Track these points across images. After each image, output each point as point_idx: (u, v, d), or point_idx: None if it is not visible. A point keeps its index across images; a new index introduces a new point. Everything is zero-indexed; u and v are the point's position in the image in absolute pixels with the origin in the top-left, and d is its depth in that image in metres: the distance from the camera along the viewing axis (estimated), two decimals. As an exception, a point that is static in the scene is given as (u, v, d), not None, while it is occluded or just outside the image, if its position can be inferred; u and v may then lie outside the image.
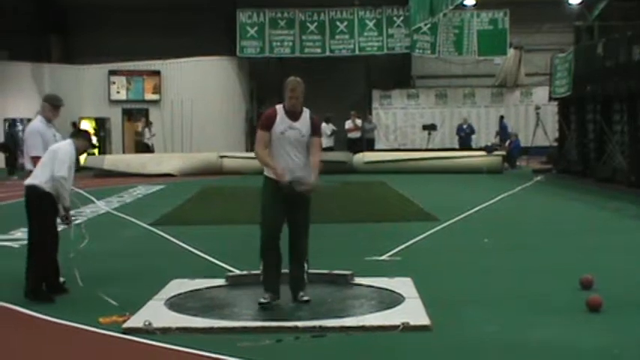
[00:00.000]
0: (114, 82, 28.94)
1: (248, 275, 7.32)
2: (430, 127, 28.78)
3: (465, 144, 27.51)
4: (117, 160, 24.93)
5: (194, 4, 29.89)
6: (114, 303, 6.48)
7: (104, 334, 5.78)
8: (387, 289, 6.94)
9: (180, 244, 10.00)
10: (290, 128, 6.46)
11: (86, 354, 5.48)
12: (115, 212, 13.84)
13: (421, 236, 10.34)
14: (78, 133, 7.55)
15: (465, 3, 27.39)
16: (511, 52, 29.94)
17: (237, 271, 7.84)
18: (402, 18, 28.85)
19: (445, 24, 28.74)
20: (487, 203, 14.14)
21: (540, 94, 28.63)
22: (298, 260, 6.60)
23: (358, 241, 10.33)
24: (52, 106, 7.63)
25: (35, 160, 7.29)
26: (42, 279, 6.94)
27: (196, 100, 28.33)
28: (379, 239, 10.25)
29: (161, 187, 19.60)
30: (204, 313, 6.28)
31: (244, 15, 29.16)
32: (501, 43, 29.24)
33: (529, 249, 9.56)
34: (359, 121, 26.65)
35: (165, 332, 5.70)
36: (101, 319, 6.07)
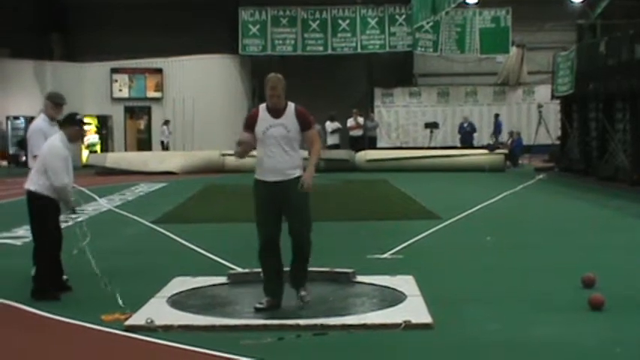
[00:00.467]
0: (116, 80, 28.94)
1: (250, 273, 7.33)
2: (432, 126, 28.77)
3: (466, 142, 27.50)
4: (119, 157, 24.94)
5: (196, 2, 29.88)
6: (120, 303, 6.40)
7: (106, 332, 5.79)
8: (388, 287, 6.93)
9: (182, 241, 10.00)
10: (271, 126, 6.30)
11: (88, 351, 5.49)
12: (117, 210, 13.84)
13: (423, 234, 10.33)
14: (65, 121, 7.22)
15: (467, 1, 27.40)
16: (513, 50, 29.90)
17: (239, 269, 7.84)
18: (404, 16, 28.84)
19: (447, 22, 28.71)
20: (489, 201, 14.12)
21: (543, 92, 28.61)
22: (299, 258, 6.43)
23: (360, 239, 10.34)
24: (54, 104, 7.60)
25: (39, 159, 7.29)
26: (47, 278, 6.93)
27: (198, 98, 28.33)
28: (381, 237, 10.25)
29: (163, 185, 19.61)
30: (206, 310, 6.29)
31: (246, 13, 29.16)
32: (504, 41, 29.20)
33: (531, 247, 9.56)
34: (361, 119, 26.64)
35: (167, 330, 5.70)
36: (103, 317, 6.08)
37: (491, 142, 26.67)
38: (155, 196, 17.17)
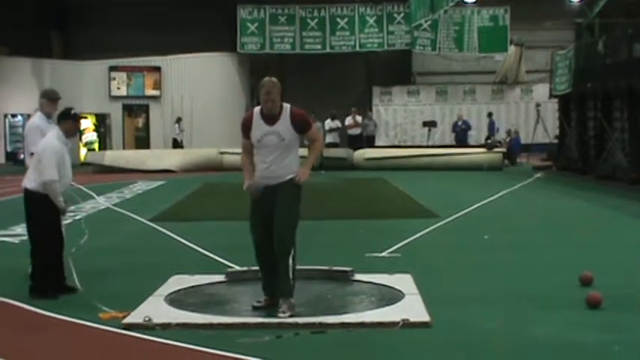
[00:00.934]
0: (114, 78, 28.92)
1: (248, 271, 7.32)
2: (430, 124, 28.73)
3: (461, 140, 27.45)
4: (117, 156, 24.91)
5: (195, 0, 29.87)
6: (107, 309, 6.20)
7: (104, 330, 5.79)
8: (386, 286, 6.93)
9: (181, 240, 10.00)
10: (265, 135, 6.14)
11: (86, 349, 5.48)
12: (115, 208, 13.83)
13: (421, 233, 10.34)
14: (60, 117, 7.15)
15: (465, 0, 27.37)
16: (512, 49, 29.89)
17: (237, 267, 7.84)
18: (402, 15, 28.83)
19: (446, 21, 28.70)
20: (487, 200, 14.13)
21: (541, 91, 28.59)
22: (279, 256, 6.10)
23: (358, 238, 10.33)
24: (49, 100, 7.59)
25: (36, 156, 7.28)
26: (45, 278, 6.90)
27: (197, 96, 28.31)
28: (379, 236, 10.25)
29: (161, 183, 19.60)
30: (204, 309, 6.28)
31: (245, 11, 29.13)
32: (502, 40, 29.19)
33: (529, 246, 9.56)
34: (359, 118, 26.64)
35: (165, 328, 5.70)
36: (101, 315, 6.08)
37: (489, 141, 26.65)
38: (153, 194, 17.17)
